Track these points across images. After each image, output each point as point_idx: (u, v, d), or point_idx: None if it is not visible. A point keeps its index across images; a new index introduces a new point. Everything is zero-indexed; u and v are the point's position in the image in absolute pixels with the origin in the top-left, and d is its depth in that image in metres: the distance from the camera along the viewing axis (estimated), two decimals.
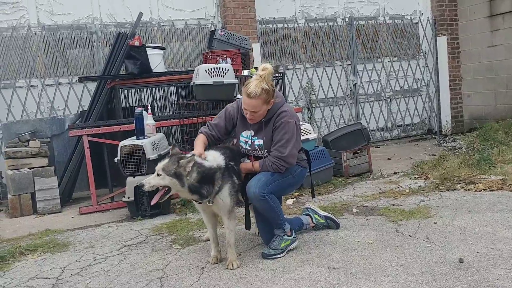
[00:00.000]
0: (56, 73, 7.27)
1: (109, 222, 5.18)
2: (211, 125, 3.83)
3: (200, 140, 3.71)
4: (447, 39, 9.58)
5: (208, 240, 4.02)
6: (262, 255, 3.71)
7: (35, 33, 7.19)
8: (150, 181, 3.37)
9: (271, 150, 3.65)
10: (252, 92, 3.49)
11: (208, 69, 5.74)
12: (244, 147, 3.79)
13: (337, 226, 4.22)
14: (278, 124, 3.61)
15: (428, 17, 9.66)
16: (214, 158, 3.51)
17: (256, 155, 3.77)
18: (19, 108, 7.04)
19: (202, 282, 3.33)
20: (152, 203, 3.47)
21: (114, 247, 4.26)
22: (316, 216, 4.21)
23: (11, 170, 5.84)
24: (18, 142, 6.05)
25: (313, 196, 4.23)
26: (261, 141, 3.69)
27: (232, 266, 3.52)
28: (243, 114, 3.71)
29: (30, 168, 5.86)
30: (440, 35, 9.59)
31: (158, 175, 3.37)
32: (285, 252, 3.71)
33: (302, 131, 5.32)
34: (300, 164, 3.82)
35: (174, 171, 3.34)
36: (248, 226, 3.85)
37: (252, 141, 3.73)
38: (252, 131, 3.74)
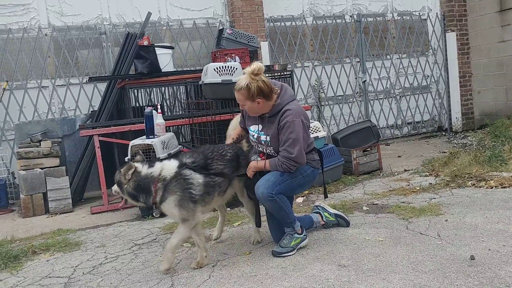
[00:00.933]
0: (67, 74, 7.32)
1: (120, 221, 5.22)
2: (240, 117, 4.09)
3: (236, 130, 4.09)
4: (457, 35, 9.51)
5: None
6: (272, 253, 3.72)
7: (46, 34, 7.25)
8: (113, 187, 3.66)
9: (279, 150, 3.66)
10: (237, 85, 3.68)
11: (217, 68, 5.75)
12: (252, 140, 3.87)
13: (347, 224, 4.22)
14: (283, 124, 3.61)
15: (437, 13, 9.60)
16: (162, 168, 3.58)
17: (262, 150, 3.78)
18: (31, 108, 7.10)
19: (212, 280, 3.34)
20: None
21: (125, 246, 4.29)
22: (326, 214, 4.21)
23: (23, 170, 5.90)
24: (30, 143, 6.12)
25: (325, 196, 4.21)
26: (267, 138, 3.72)
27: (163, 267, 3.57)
28: None
29: (42, 168, 5.92)
30: (449, 31, 9.52)
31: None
32: (295, 250, 3.72)
33: (311, 129, 5.31)
34: (311, 164, 3.81)
35: (118, 178, 3.56)
36: (258, 224, 3.88)
37: (259, 135, 3.77)
38: (260, 125, 3.78)
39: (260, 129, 3.77)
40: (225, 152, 3.80)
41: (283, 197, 3.67)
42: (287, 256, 3.66)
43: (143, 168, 3.58)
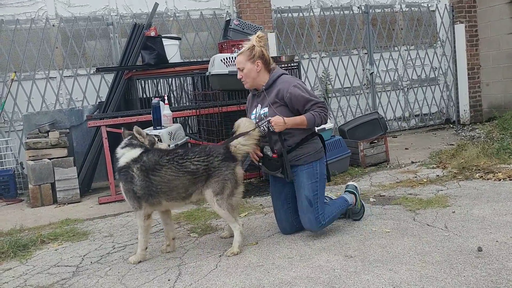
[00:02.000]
0: (74, 65, 7.35)
1: (128, 212, 5.24)
2: (246, 110, 4.16)
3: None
4: (465, 27, 9.43)
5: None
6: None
7: (53, 25, 7.27)
8: None
9: (305, 110, 3.69)
10: (239, 51, 3.90)
11: (224, 59, 5.74)
12: (256, 121, 3.87)
13: (359, 217, 4.18)
14: (289, 94, 3.68)
15: (445, 4, 9.53)
16: (123, 154, 3.65)
17: (263, 128, 3.71)
18: (39, 99, 7.14)
19: (219, 269, 3.36)
20: None
21: (132, 236, 4.32)
22: (359, 198, 4.15)
23: (31, 160, 5.94)
24: (38, 133, 6.15)
25: (328, 180, 4.10)
26: (265, 109, 3.79)
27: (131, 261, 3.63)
28: (251, 97, 4.01)
29: (50, 159, 5.96)
30: (458, 22, 9.45)
31: None
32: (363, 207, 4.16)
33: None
34: (316, 156, 3.83)
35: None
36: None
37: (259, 114, 3.83)
38: (259, 105, 3.86)
39: (260, 108, 3.85)
40: (188, 163, 3.55)
41: (325, 213, 3.79)
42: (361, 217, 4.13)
43: (119, 145, 3.72)
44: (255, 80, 3.84)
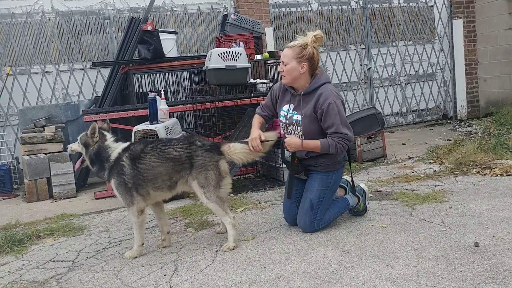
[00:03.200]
0: (70, 59, 7.30)
1: (124, 207, 5.18)
2: (263, 106, 4.04)
3: (255, 121, 3.92)
4: (463, 22, 9.40)
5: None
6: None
7: (49, 19, 7.21)
8: (71, 146, 3.86)
9: (328, 132, 3.62)
10: (290, 43, 3.69)
11: (221, 53, 5.71)
12: (283, 121, 3.83)
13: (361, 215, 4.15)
14: (326, 106, 3.57)
15: None
16: (115, 148, 3.66)
17: (291, 132, 3.75)
18: (35, 94, 7.10)
19: (216, 264, 3.35)
20: (75, 168, 4.07)
21: (128, 231, 4.30)
22: (363, 203, 4.07)
23: (27, 155, 5.91)
24: (33, 128, 6.11)
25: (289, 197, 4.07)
26: (299, 117, 3.70)
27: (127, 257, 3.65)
28: (284, 89, 3.82)
29: (45, 153, 5.93)
30: (456, 18, 9.42)
31: (77, 142, 3.77)
32: (367, 208, 4.11)
33: None
34: (334, 167, 3.80)
35: (84, 140, 3.71)
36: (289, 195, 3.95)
37: (291, 114, 3.75)
38: (292, 105, 3.75)
39: (292, 109, 3.75)
40: (170, 149, 3.60)
41: (323, 219, 3.79)
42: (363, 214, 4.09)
43: (108, 139, 3.70)
44: (296, 80, 3.69)
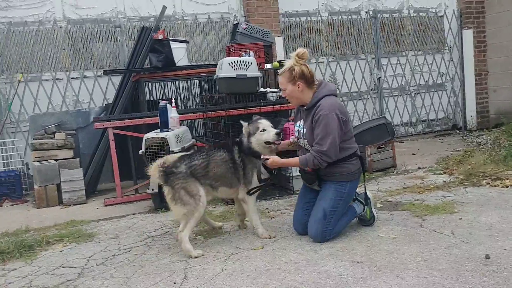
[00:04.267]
0: (81, 67, 7.36)
1: (134, 214, 5.24)
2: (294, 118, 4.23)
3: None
4: (473, 32, 9.38)
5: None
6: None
7: (61, 27, 7.29)
8: None
9: (313, 145, 3.72)
10: (280, 71, 3.87)
11: (232, 62, 5.74)
12: (297, 136, 3.99)
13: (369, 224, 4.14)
14: (317, 118, 3.69)
15: (453, 10, 9.49)
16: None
17: (303, 144, 3.88)
18: (45, 100, 7.16)
19: (225, 273, 3.34)
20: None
21: (138, 238, 4.31)
22: (368, 210, 4.07)
23: (37, 161, 5.95)
24: (44, 134, 6.16)
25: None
26: (304, 130, 3.85)
27: None
28: (298, 108, 4.01)
29: (56, 160, 5.97)
30: (466, 28, 9.40)
31: None
32: (375, 217, 4.10)
33: None
34: (348, 178, 3.83)
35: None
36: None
37: (301, 129, 3.89)
38: (302, 120, 3.90)
39: (302, 124, 3.88)
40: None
41: (335, 229, 3.81)
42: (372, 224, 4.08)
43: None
44: (300, 99, 3.86)
